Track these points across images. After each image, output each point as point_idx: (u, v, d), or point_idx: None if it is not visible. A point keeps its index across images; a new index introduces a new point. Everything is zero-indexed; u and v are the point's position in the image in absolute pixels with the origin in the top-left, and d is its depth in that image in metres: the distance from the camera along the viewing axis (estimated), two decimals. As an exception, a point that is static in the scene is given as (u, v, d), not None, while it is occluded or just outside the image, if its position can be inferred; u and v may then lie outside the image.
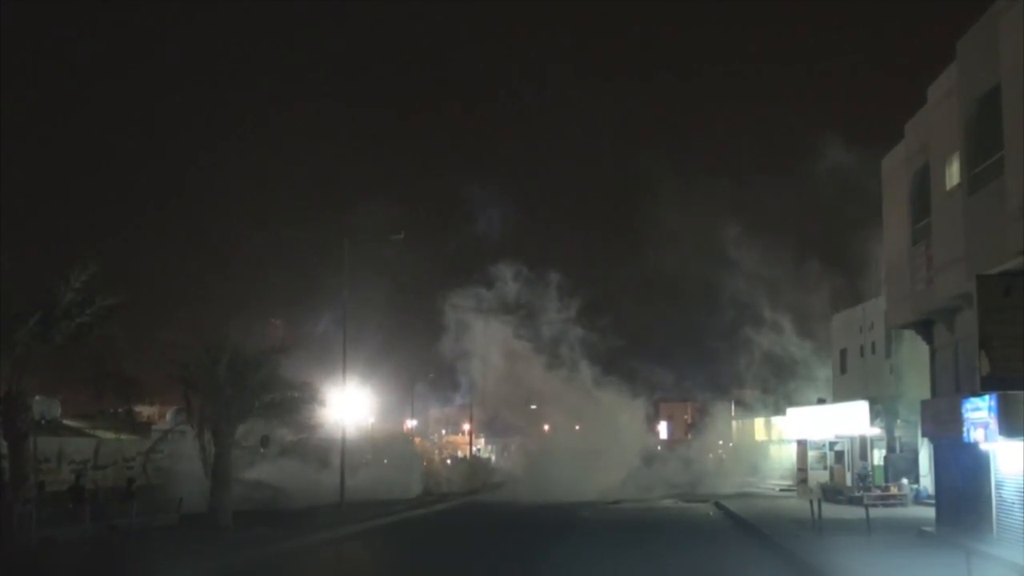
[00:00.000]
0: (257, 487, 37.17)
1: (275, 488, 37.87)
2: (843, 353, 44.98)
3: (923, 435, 30.00)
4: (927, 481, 33.93)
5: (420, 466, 52.35)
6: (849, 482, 38.58)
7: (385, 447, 52.49)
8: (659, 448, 64.64)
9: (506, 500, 45.49)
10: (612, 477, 48.59)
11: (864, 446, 39.11)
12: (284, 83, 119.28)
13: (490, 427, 77.67)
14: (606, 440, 51.59)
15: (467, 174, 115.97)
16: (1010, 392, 18.41)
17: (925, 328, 26.47)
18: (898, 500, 34.18)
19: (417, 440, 61.67)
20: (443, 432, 69.97)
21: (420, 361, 68.44)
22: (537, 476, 50.76)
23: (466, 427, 74.85)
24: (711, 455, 68.39)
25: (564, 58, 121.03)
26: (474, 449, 75.14)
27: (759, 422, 60.93)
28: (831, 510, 29.25)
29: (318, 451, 41.46)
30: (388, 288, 62.49)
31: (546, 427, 63.84)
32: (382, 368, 63.35)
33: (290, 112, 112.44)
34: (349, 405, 39.00)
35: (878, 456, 38.34)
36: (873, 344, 40.84)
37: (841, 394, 43.73)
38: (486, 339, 58.54)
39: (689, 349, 67.40)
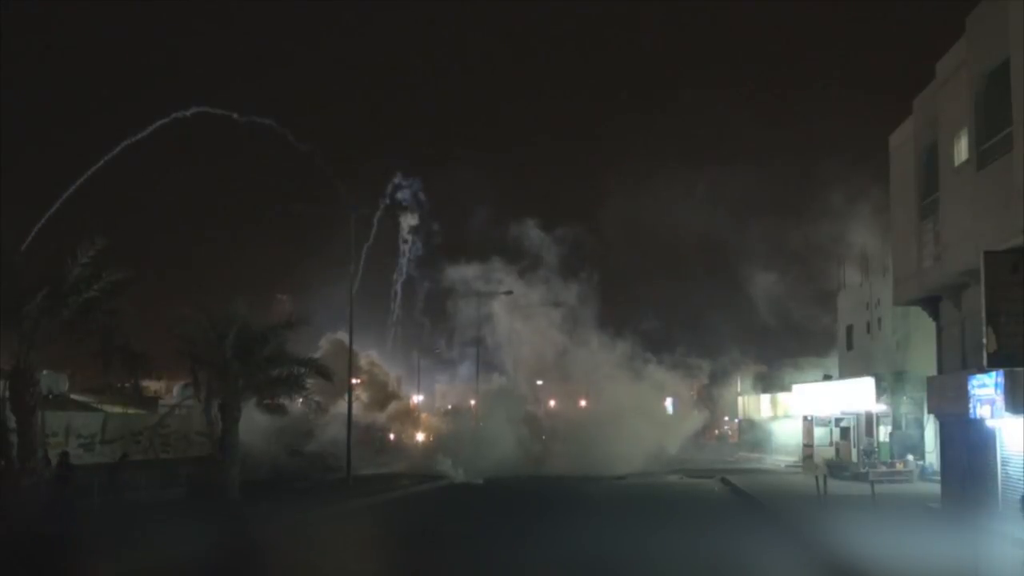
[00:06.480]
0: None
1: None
2: (849, 330, 44.93)
3: (929, 411, 30.05)
4: (933, 457, 34.01)
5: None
6: (855, 458, 38.63)
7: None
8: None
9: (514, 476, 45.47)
10: (644, 452, 48.35)
11: (870, 422, 39.12)
12: (291, 63, 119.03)
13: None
14: (635, 415, 50.98)
15: (478, 144, 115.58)
16: (1016, 368, 18.44)
17: (932, 305, 26.43)
18: (904, 476, 34.26)
19: None
20: (449, 407, 69.34)
21: (427, 334, 68.44)
22: (566, 452, 50.09)
23: (473, 403, 74.26)
24: (716, 432, 68.57)
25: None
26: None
27: (765, 398, 60.95)
28: (837, 486, 29.35)
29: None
30: (400, 261, 62.85)
31: (552, 403, 63.60)
32: (390, 340, 63.67)
33: (294, 91, 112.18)
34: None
35: (884, 432, 38.35)
36: (879, 320, 40.79)
37: (847, 370, 43.72)
38: (499, 309, 58.40)
39: (693, 325, 67.18)
